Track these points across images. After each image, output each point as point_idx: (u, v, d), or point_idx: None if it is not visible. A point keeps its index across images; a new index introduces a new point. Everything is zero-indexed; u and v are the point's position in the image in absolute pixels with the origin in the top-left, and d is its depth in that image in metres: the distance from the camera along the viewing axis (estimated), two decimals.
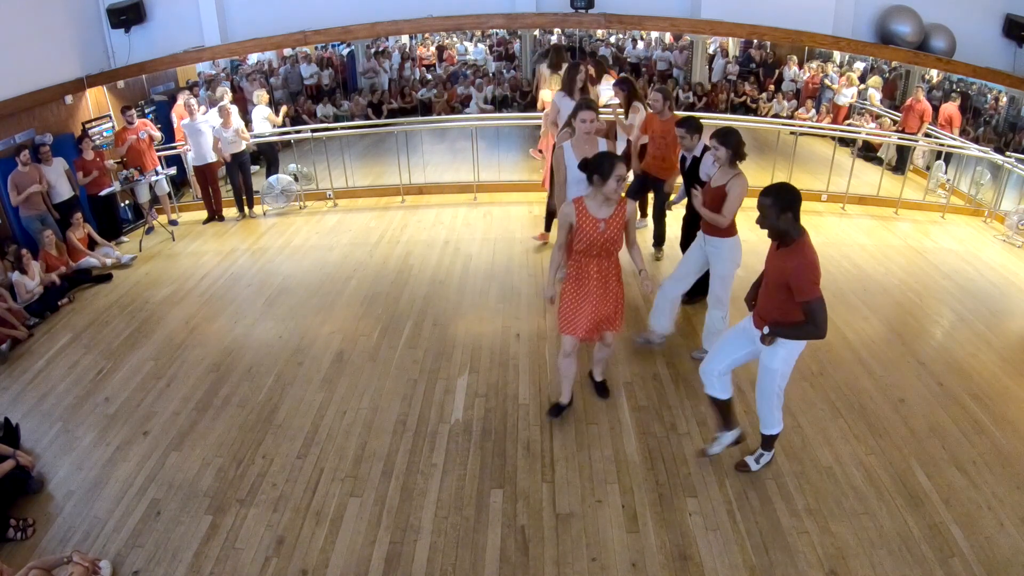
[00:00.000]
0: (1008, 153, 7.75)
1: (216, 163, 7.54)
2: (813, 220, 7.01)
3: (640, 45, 14.20)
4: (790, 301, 2.98)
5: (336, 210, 7.94)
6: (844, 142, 9.03)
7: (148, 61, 7.53)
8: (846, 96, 10.45)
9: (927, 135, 8.76)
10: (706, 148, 4.32)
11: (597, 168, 3.35)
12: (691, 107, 11.56)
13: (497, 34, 15.62)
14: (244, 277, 6.18)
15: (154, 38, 7.53)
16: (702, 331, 4.55)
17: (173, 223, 7.74)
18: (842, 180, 7.76)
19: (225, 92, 8.22)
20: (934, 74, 10.15)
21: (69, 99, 7.11)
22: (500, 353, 4.72)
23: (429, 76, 13.51)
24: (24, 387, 4.67)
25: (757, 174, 8.56)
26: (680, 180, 5.00)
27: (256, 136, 8.10)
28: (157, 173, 7.50)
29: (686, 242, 4.95)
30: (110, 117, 7.62)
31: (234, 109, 7.51)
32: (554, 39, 13.92)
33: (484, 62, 14.33)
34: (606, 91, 6.75)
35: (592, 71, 6.42)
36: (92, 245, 6.71)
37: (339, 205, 8.09)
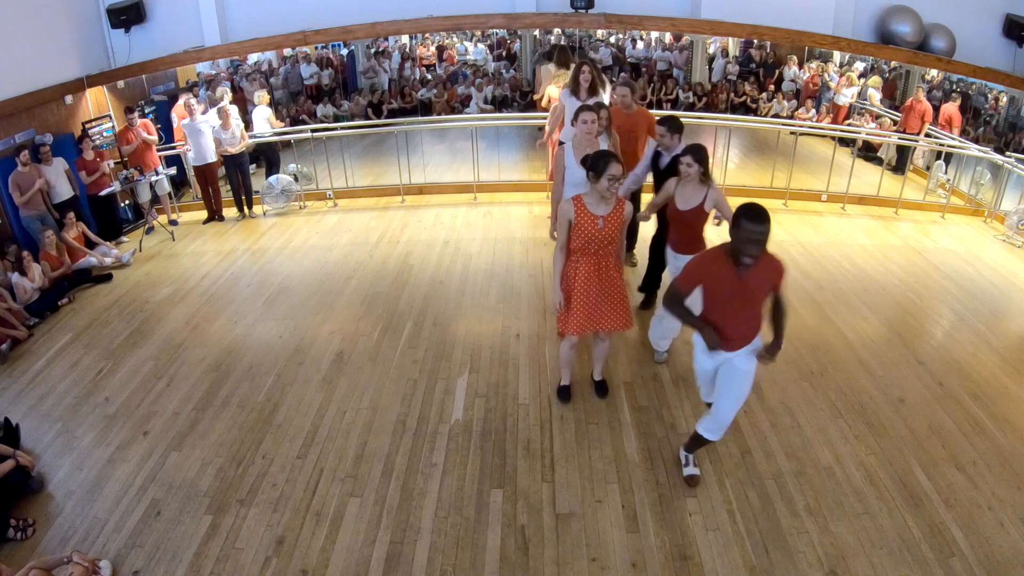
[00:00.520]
0: (1008, 153, 7.75)
1: (216, 163, 7.55)
2: (813, 220, 7.01)
3: (640, 45, 14.20)
4: (761, 306, 3.03)
5: (336, 210, 7.94)
6: (844, 142, 9.02)
7: (148, 61, 7.54)
8: (846, 96, 10.46)
9: (928, 135, 8.77)
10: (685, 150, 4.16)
11: (592, 166, 3.44)
12: (691, 107, 11.55)
13: (497, 34, 15.61)
14: (244, 277, 6.18)
15: (154, 38, 7.54)
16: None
17: (173, 223, 7.74)
18: (842, 180, 7.74)
19: (225, 92, 8.22)
20: (934, 74, 10.16)
21: (69, 99, 7.11)
22: (500, 353, 4.73)
23: (429, 76, 13.51)
24: (24, 387, 4.67)
25: (757, 174, 8.56)
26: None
27: (256, 136, 8.10)
28: (157, 173, 7.51)
29: (657, 247, 4.83)
30: (110, 117, 7.62)
31: (233, 110, 7.50)
32: (553, 39, 13.90)
33: (484, 62, 14.33)
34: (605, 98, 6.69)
35: (599, 72, 6.32)
36: (89, 244, 6.70)
37: (339, 205, 8.09)
